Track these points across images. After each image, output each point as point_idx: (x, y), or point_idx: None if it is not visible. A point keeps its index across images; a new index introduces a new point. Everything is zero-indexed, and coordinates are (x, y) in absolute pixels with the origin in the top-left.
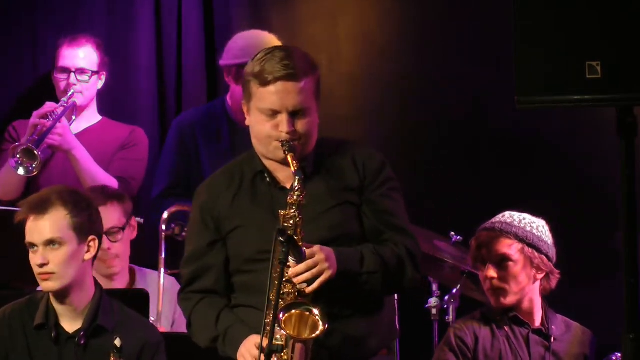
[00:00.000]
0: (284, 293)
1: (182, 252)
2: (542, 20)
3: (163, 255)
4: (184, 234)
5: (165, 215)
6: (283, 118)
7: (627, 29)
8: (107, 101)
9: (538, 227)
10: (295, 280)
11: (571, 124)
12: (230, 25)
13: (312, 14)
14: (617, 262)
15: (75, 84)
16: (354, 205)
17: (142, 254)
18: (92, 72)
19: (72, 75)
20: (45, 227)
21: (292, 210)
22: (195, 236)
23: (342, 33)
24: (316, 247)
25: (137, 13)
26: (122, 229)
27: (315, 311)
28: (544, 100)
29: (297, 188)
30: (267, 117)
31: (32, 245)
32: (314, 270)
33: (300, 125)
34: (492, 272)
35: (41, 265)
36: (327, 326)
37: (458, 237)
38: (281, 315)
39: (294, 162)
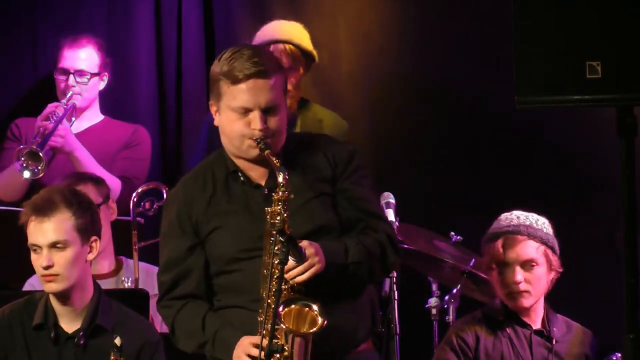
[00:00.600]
0: (277, 290)
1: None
2: (542, 20)
3: (136, 231)
4: (155, 207)
5: (139, 189)
6: (255, 115)
7: (627, 29)
8: (107, 101)
9: (548, 226)
10: (286, 275)
11: (571, 124)
12: (231, 25)
13: (312, 13)
14: (617, 262)
15: (74, 86)
16: (329, 196)
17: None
18: (92, 73)
19: (71, 76)
20: (49, 229)
21: (279, 207)
22: (172, 242)
23: (342, 33)
24: (305, 242)
25: (137, 13)
26: (98, 206)
27: (314, 307)
28: (544, 100)
29: (282, 184)
30: (239, 115)
31: (36, 246)
32: (305, 265)
33: (272, 122)
34: (520, 276)
35: (46, 267)
36: (325, 322)
37: (458, 237)
38: (280, 309)
39: (274, 159)
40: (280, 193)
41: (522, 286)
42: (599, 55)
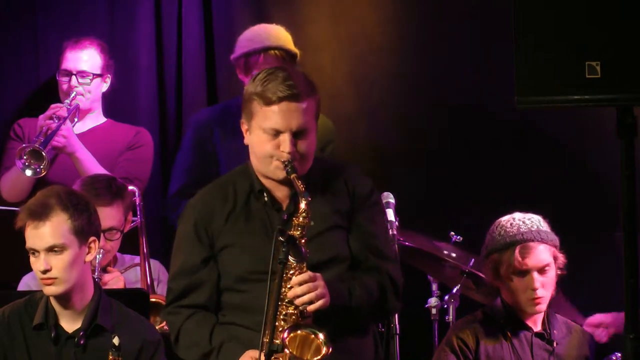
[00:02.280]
0: (285, 314)
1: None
2: (542, 20)
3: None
4: None
5: None
6: (285, 138)
7: (627, 29)
8: (107, 101)
9: (546, 223)
10: (297, 301)
11: (571, 124)
12: (231, 26)
13: (313, 14)
14: (617, 262)
15: (76, 86)
16: (344, 228)
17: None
18: (95, 74)
19: (74, 77)
20: (46, 233)
21: (298, 232)
22: (187, 250)
23: (343, 33)
24: (318, 275)
25: (137, 14)
26: (121, 231)
27: (320, 335)
28: (544, 100)
29: (303, 210)
30: (270, 136)
31: (34, 250)
32: (317, 292)
33: (301, 145)
34: (538, 283)
35: (44, 271)
36: (330, 350)
37: (458, 237)
38: (286, 334)
39: (300, 183)
40: (301, 219)
41: (539, 292)
42: (599, 55)
